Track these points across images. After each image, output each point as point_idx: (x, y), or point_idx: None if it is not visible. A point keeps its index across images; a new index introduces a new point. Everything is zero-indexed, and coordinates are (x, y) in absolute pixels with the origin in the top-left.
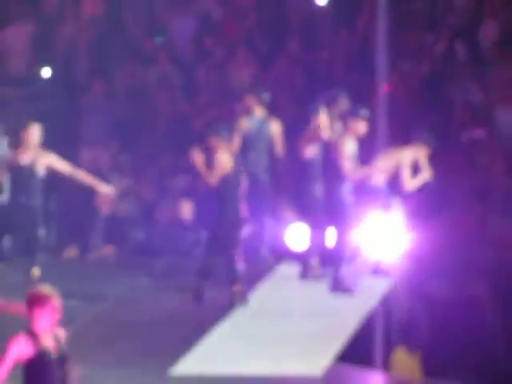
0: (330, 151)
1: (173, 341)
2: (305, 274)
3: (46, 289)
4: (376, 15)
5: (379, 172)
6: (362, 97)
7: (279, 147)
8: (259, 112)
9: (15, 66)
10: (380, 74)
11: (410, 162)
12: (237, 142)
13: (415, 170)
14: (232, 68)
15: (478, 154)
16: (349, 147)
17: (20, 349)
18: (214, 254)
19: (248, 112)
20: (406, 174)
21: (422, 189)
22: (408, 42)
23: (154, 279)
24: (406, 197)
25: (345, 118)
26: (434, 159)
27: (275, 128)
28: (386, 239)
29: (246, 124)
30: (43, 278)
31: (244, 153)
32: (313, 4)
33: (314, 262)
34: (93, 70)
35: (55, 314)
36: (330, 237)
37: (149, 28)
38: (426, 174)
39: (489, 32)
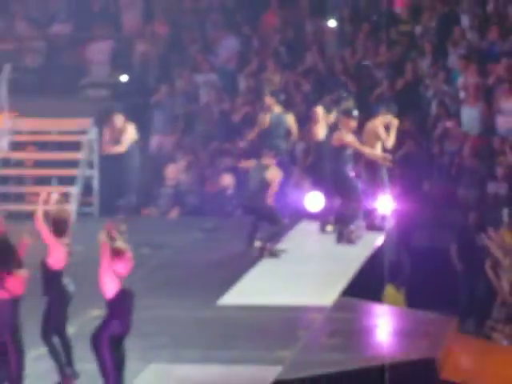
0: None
1: (219, 279)
2: (322, 230)
3: (122, 244)
4: (371, 37)
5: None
6: (362, 99)
7: (295, 134)
8: (277, 109)
9: (99, 73)
10: (376, 80)
11: (383, 126)
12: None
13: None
14: (263, 75)
15: (449, 140)
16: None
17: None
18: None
19: (268, 109)
20: (383, 135)
21: (407, 163)
22: (397, 56)
23: (205, 234)
24: (397, 170)
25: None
26: (416, 143)
27: (290, 120)
28: (379, 204)
29: (267, 118)
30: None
31: (268, 139)
32: (324, 26)
33: (329, 220)
34: (160, 76)
35: (129, 262)
36: (338, 202)
37: (201, 45)
38: (394, 124)
39: (457, 47)
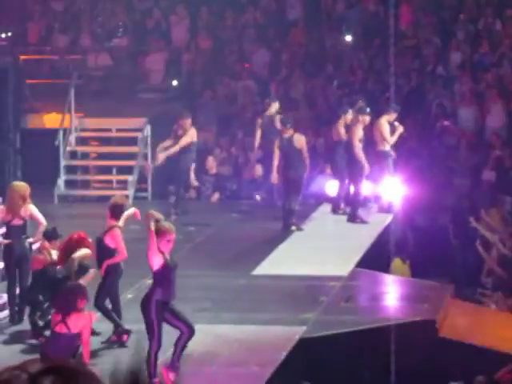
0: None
1: (254, 252)
2: (335, 211)
3: (165, 225)
4: (382, 49)
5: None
6: (372, 101)
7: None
8: (272, 111)
9: (155, 80)
10: (386, 86)
11: (387, 124)
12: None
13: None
14: (291, 82)
15: (447, 136)
16: (359, 132)
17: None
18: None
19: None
20: (385, 133)
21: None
22: (403, 66)
23: (242, 214)
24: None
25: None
26: (418, 140)
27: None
28: (388, 189)
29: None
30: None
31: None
32: (342, 40)
33: (342, 203)
34: (204, 82)
35: (170, 241)
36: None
37: (238, 56)
38: (400, 130)
39: (454, 59)
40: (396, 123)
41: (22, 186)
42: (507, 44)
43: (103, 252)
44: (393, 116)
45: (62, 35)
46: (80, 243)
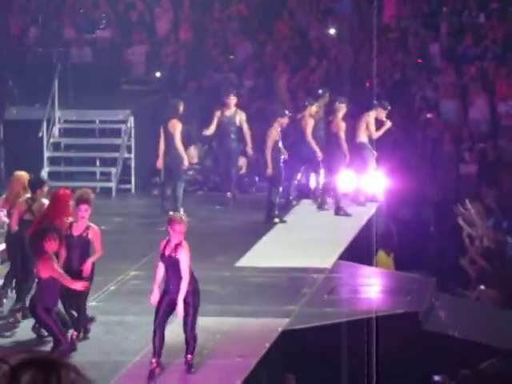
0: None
1: (237, 244)
2: (320, 205)
3: (179, 215)
4: (366, 42)
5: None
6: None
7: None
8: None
9: (138, 72)
10: (370, 78)
11: (374, 119)
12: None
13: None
14: (274, 74)
15: (430, 128)
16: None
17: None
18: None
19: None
20: (371, 127)
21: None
22: (386, 58)
23: (225, 207)
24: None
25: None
26: (401, 132)
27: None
28: (368, 182)
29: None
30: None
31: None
32: (326, 34)
33: (325, 197)
34: (188, 75)
35: (183, 232)
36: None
37: (222, 49)
38: (387, 125)
39: (436, 51)
40: (384, 118)
41: (23, 175)
42: (491, 37)
43: (85, 249)
44: (381, 113)
45: (45, 27)
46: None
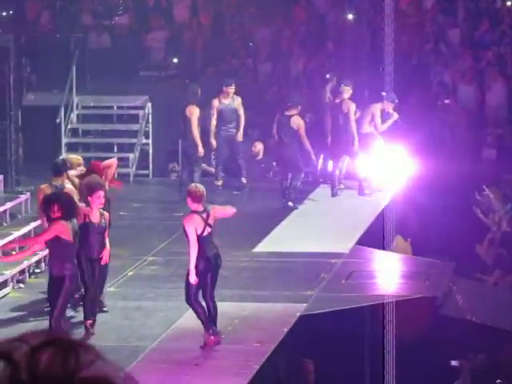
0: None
1: (255, 229)
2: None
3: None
4: (383, 27)
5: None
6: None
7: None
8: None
9: (156, 57)
10: (387, 64)
11: (380, 112)
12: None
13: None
14: (291, 59)
15: (447, 114)
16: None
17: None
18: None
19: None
20: (377, 120)
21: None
22: (404, 43)
23: (242, 192)
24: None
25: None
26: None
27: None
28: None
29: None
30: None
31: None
32: (344, 18)
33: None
34: (206, 59)
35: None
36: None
37: (241, 35)
38: (394, 117)
39: (454, 36)
40: (391, 110)
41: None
42: (507, 22)
43: (104, 235)
44: (387, 105)
45: (63, 13)
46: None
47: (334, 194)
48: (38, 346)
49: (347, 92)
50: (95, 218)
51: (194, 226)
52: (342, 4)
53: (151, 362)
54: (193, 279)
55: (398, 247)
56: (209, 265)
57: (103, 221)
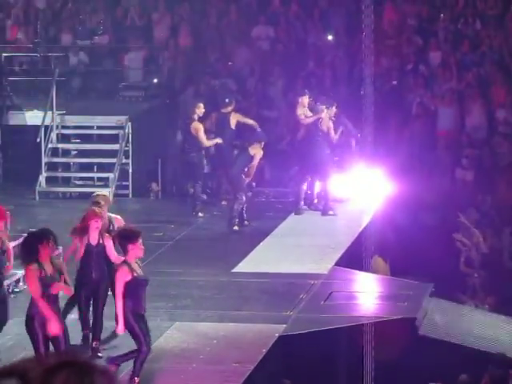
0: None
1: (234, 249)
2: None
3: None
4: (363, 49)
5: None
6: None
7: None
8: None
9: (135, 78)
10: (366, 84)
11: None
12: None
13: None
14: (268, 80)
15: (426, 135)
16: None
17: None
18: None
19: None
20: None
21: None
22: (383, 64)
23: (222, 212)
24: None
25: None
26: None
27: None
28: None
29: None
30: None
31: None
32: (323, 39)
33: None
34: (185, 79)
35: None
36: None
37: (220, 54)
38: (319, 114)
39: (434, 58)
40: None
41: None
42: (487, 44)
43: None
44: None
45: (44, 32)
46: None
47: (296, 212)
48: (53, 367)
49: (323, 111)
50: (94, 239)
51: None
52: (322, 25)
53: (130, 382)
54: None
55: (376, 268)
56: None
57: (102, 242)
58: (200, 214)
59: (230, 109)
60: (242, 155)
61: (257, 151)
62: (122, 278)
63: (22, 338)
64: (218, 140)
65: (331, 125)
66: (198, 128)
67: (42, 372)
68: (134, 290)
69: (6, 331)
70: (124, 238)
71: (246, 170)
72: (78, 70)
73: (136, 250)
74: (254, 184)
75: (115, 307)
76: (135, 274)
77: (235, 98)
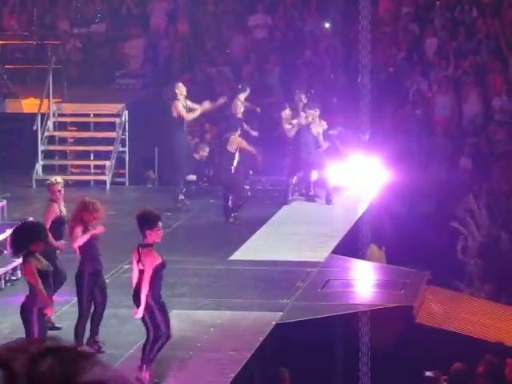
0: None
1: (231, 237)
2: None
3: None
4: (360, 36)
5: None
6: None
7: None
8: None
9: (133, 65)
10: (363, 72)
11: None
12: None
13: None
14: (265, 69)
15: (423, 123)
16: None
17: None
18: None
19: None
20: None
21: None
22: (380, 52)
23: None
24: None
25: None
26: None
27: None
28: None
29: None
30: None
31: None
32: (321, 27)
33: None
34: (182, 67)
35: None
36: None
37: (216, 42)
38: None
39: (431, 46)
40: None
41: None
42: (484, 32)
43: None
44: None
45: (40, 20)
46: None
47: (285, 202)
48: (37, 355)
49: (312, 115)
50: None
51: None
52: (319, 13)
53: (127, 369)
54: None
55: (372, 256)
56: None
57: None
58: (183, 199)
59: (242, 96)
60: (223, 156)
61: (236, 142)
62: (154, 262)
63: (17, 326)
64: (207, 104)
65: (321, 130)
66: (175, 105)
67: (26, 361)
68: (159, 274)
69: (4, 319)
70: (142, 222)
71: (232, 168)
72: (75, 58)
73: (154, 235)
74: (250, 172)
75: (139, 292)
76: (163, 259)
77: (232, 85)
